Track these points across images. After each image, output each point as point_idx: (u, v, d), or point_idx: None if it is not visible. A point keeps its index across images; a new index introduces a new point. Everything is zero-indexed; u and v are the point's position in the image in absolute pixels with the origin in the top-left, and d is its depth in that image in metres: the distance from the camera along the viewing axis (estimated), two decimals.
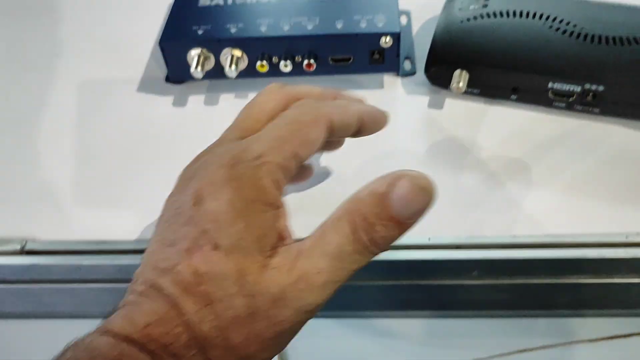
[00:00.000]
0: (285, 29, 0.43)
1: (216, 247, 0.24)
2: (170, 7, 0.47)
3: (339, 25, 0.43)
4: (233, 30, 0.43)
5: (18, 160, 0.44)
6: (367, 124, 0.32)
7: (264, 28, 0.43)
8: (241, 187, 0.25)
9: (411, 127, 0.44)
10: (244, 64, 0.44)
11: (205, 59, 0.44)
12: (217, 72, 0.45)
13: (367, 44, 0.43)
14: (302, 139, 0.28)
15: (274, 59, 0.44)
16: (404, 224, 0.24)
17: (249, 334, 0.23)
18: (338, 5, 0.44)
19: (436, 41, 0.45)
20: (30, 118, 0.47)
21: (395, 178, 0.24)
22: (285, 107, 0.30)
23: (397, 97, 0.46)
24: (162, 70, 0.49)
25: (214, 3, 0.46)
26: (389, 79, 0.47)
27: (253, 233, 0.24)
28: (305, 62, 0.43)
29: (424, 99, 0.45)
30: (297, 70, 0.44)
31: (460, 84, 0.42)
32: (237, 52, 0.43)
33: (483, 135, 0.42)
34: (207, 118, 0.46)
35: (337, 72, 0.45)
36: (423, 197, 0.24)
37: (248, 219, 0.25)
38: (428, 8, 0.52)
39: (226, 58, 0.44)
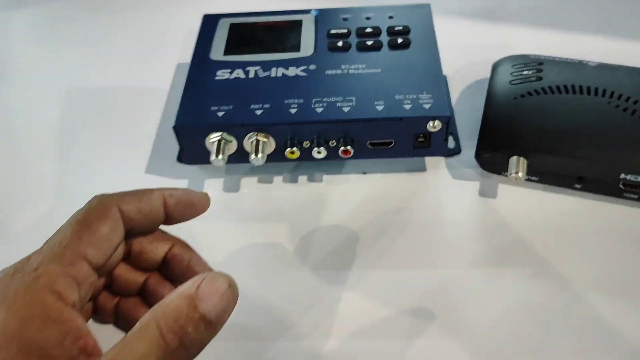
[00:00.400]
0: (319, 111, 0.38)
1: None
2: (185, 80, 0.41)
3: (380, 107, 0.37)
4: (258, 112, 0.38)
5: None
6: (177, 208, 0.29)
7: (293, 110, 0.38)
8: (14, 304, 0.23)
9: (460, 218, 0.38)
10: (270, 149, 0.39)
11: (226, 143, 0.38)
12: (239, 157, 0.39)
13: (412, 128, 0.38)
14: (88, 239, 0.25)
15: (305, 144, 0.39)
16: (214, 323, 0.23)
17: None
18: (375, 82, 0.39)
19: (489, 123, 0.39)
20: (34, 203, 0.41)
21: (199, 278, 0.24)
22: None
23: (443, 182, 0.41)
24: (172, 147, 0.44)
25: (233, 76, 0.41)
26: (431, 158, 0.42)
27: (30, 356, 0.22)
28: (342, 148, 0.38)
29: (474, 185, 0.40)
30: (331, 155, 0.39)
31: (520, 174, 0.37)
32: (264, 137, 0.38)
33: (545, 229, 0.37)
34: (226, 207, 0.40)
35: (375, 157, 0.39)
36: (230, 293, 0.24)
37: (22, 340, 0.22)
38: (467, 71, 0.47)
39: (251, 143, 0.38)
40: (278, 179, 0.41)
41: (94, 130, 0.46)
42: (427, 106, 0.37)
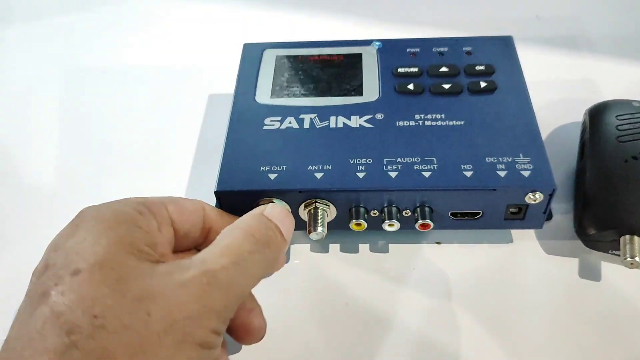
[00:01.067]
0: (393, 175, 0.31)
1: None
2: (227, 129, 0.34)
3: (468, 174, 0.30)
4: (318, 175, 0.31)
5: None
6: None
7: (361, 173, 0.31)
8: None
9: (557, 305, 0.32)
10: (330, 217, 0.32)
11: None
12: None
13: (507, 199, 0.31)
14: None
15: (373, 213, 0.32)
16: (285, 235, 0.26)
17: None
18: (458, 138, 0.32)
19: (596, 193, 0.33)
20: None
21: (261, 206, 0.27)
22: None
23: (535, 257, 0.34)
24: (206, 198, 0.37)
25: (284, 126, 0.34)
26: None
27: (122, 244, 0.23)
28: (420, 222, 0.31)
29: (572, 263, 0.33)
30: (404, 226, 0.32)
31: (637, 258, 0.30)
32: (324, 206, 0.31)
33: None
34: (270, 281, 0.33)
35: (456, 228, 0.33)
36: (290, 216, 0.27)
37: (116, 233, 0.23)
38: (549, 112, 0.40)
39: (308, 212, 0.31)
40: (335, 248, 0.35)
41: (114, 173, 0.40)
42: (526, 174, 0.30)
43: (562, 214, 0.35)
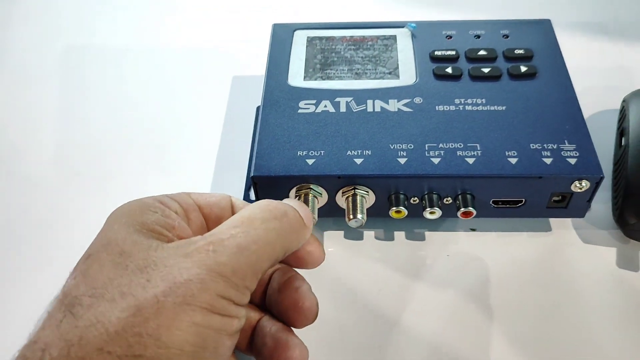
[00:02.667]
0: (436, 162, 0.30)
1: None
2: (260, 112, 0.33)
3: (513, 161, 0.30)
4: (358, 160, 0.30)
5: None
6: None
7: (403, 159, 0.30)
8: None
9: (596, 295, 0.31)
10: (369, 204, 0.31)
11: (315, 197, 0.31)
12: (328, 211, 0.32)
13: (552, 187, 0.30)
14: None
15: (413, 199, 0.31)
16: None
17: None
18: (501, 123, 0.31)
19: (636, 182, 0.32)
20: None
21: None
22: None
23: (573, 247, 0.33)
24: (235, 183, 0.36)
25: (320, 109, 0.33)
26: None
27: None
28: (463, 210, 0.30)
29: (610, 253, 0.33)
30: (445, 214, 0.31)
31: None
32: (364, 192, 0.30)
33: None
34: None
35: (497, 216, 0.32)
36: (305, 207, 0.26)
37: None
38: (584, 100, 0.39)
39: (347, 198, 0.30)
40: (369, 235, 0.34)
41: (139, 161, 0.39)
42: (572, 161, 0.30)
43: (600, 202, 0.35)
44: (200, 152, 0.39)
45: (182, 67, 0.45)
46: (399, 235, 0.34)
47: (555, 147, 0.30)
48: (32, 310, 0.21)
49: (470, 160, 0.30)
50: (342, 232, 0.34)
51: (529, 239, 0.33)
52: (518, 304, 0.31)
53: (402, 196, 0.31)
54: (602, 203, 0.35)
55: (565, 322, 0.30)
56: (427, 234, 0.34)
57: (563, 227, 0.34)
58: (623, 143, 0.35)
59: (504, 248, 0.33)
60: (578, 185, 0.30)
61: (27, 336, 0.20)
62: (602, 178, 0.29)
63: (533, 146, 0.30)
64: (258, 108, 0.35)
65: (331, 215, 0.32)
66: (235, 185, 0.36)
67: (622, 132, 0.36)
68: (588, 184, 0.29)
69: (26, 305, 0.29)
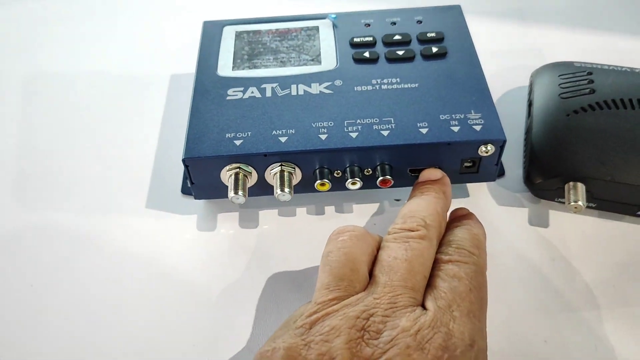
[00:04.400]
0: (354, 136, 0.32)
1: None
2: (191, 100, 0.35)
3: (424, 130, 0.32)
4: (283, 138, 0.32)
5: None
6: None
7: (324, 135, 0.32)
8: None
9: (511, 251, 0.34)
10: (296, 180, 0.33)
11: (245, 176, 0.33)
12: (258, 189, 0.34)
13: (461, 153, 0.33)
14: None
15: (336, 173, 0.33)
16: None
17: None
18: (414, 99, 0.34)
19: (540, 145, 0.35)
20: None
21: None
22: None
23: (487, 209, 0.36)
24: (174, 176, 0.38)
25: (247, 95, 0.35)
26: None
27: None
28: (381, 178, 0.33)
29: (522, 213, 0.36)
30: (366, 185, 0.34)
31: (580, 203, 0.33)
32: (289, 168, 0.33)
33: (608, 262, 0.33)
34: (244, 246, 0.35)
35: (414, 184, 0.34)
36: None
37: None
38: (499, 78, 0.43)
39: (274, 175, 0.33)
40: (302, 211, 0.36)
41: (81, 160, 0.40)
42: (477, 128, 0.32)
43: (513, 170, 0.38)
44: (140, 150, 0.40)
45: (121, 71, 0.47)
46: (329, 209, 0.36)
47: (462, 116, 0.33)
48: None
49: (385, 133, 0.32)
50: (276, 210, 0.36)
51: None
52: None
53: (325, 170, 0.33)
54: (515, 169, 0.38)
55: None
56: (355, 206, 0.36)
57: (479, 192, 0.37)
58: (530, 114, 0.38)
59: None
60: (484, 149, 0.32)
61: None
62: (504, 141, 0.32)
63: (442, 117, 0.33)
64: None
65: (264, 193, 0.34)
66: (174, 177, 0.38)
67: (530, 104, 0.39)
68: (493, 148, 0.32)
69: None
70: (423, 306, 0.25)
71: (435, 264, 0.27)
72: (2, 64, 0.48)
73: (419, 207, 0.30)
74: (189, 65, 0.45)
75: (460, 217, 0.31)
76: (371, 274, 0.27)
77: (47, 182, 0.39)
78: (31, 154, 0.40)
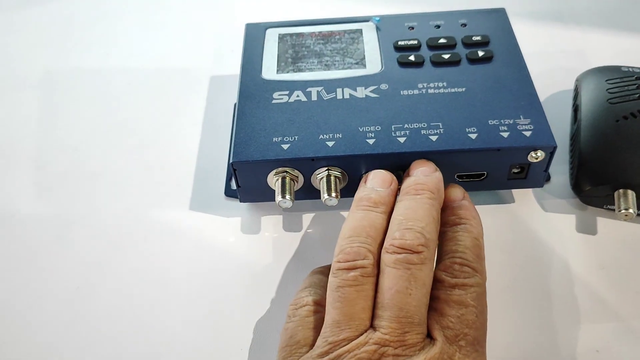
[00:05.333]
0: (402, 141, 0.32)
1: None
2: (237, 104, 0.35)
3: (473, 136, 0.32)
4: (330, 143, 0.32)
5: None
6: None
7: (371, 140, 0.32)
8: None
9: (560, 259, 0.33)
10: (343, 184, 0.33)
11: (292, 180, 0.33)
12: (304, 193, 0.34)
13: (510, 159, 0.33)
14: None
15: None
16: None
17: None
18: (461, 103, 0.34)
19: (590, 151, 0.34)
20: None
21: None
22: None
23: (534, 215, 0.36)
24: (217, 178, 0.38)
25: (292, 99, 0.35)
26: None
27: None
28: None
29: (570, 220, 0.35)
30: None
31: (631, 210, 0.32)
32: (337, 172, 0.32)
33: None
34: (288, 249, 0.35)
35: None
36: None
37: None
38: (543, 81, 0.42)
39: (321, 179, 0.33)
40: (345, 214, 0.36)
41: (123, 160, 0.40)
42: (527, 134, 0.32)
43: (560, 175, 0.37)
44: (182, 150, 0.40)
45: (161, 72, 0.47)
46: None
47: (511, 121, 0.33)
48: None
49: (434, 138, 0.32)
50: (320, 214, 0.36)
51: (495, 210, 0.36)
52: (487, 270, 0.33)
53: None
54: (561, 175, 0.37)
55: (531, 284, 0.32)
56: None
57: (525, 199, 0.36)
58: (577, 119, 0.37)
59: None
60: (534, 155, 0.32)
61: None
62: (555, 147, 0.32)
63: (491, 122, 0.33)
64: (235, 105, 0.37)
65: (310, 197, 0.34)
66: (217, 179, 0.38)
67: (576, 108, 0.38)
68: (543, 153, 0.32)
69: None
70: (429, 332, 0.25)
71: (439, 283, 0.26)
72: (41, 62, 0.48)
73: (416, 214, 0.28)
74: (229, 67, 0.45)
75: (457, 209, 0.29)
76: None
77: (88, 183, 0.39)
78: (73, 154, 0.41)
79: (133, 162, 0.40)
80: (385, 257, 0.26)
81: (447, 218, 0.29)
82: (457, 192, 0.30)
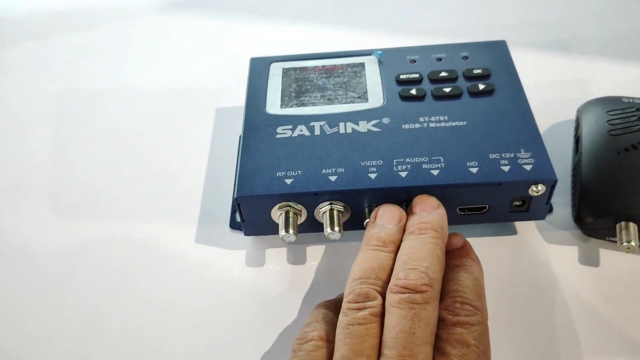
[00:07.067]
0: (403, 175, 0.33)
1: None
2: (241, 139, 0.36)
3: (474, 170, 0.32)
4: (332, 177, 0.33)
5: None
6: None
7: (373, 174, 0.33)
8: None
9: (562, 291, 0.33)
10: (345, 217, 0.34)
11: (296, 214, 0.33)
12: (307, 226, 0.34)
13: (511, 193, 0.33)
14: None
15: None
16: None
17: None
18: (462, 137, 0.34)
19: (591, 183, 0.35)
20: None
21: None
22: None
23: (536, 247, 0.36)
24: (222, 209, 0.39)
25: (296, 134, 0.36)
26: None
27: None
28: None
29: (572, 251, 0.35)
30: None
31: (633, 243, 0.32)
32: (340, 206, 0.33)
33: None
34: (292, 282, 0.35)
35: (463, 222, 0.35)
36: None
37: None
38: (544, 111, 0.42)
39: (324, 213, 0.33)
40: (348, 247, 0.36)
41: (131, 192, 0.41)
42: (528, 167, 0.32)
43: (561, 206, 0.37)
44: (189, 180, 0.41)
45: (168, 102, 0.48)
46: None
47: (512, 155, 0.33)
48: None
49: (435, 172, 0.33)
50: (324, 246, 0.37)
51: (497, 242, 0.36)
52: (489, 302, 0.33)
53: (374, 208, 0.33)
54: (563, 206, 0.37)
55: (534, 316, 0.32)
56: None
57: (528, 230, 0.36)
58: (578, 150, 0.38)
59: (475, 251, 0.35)
60: (535, 189, 0.32)
61: None
62: (556, 181, 0.32)
63: (492, 156, 0.33)
64: (240, 137, 0.38)
65: (313, 230, 0.35)
66: (222, 210, 0.39)
67: (577, 139, 0.39)
68: (544, 187, 0.32)
69: None
70: None
71: (441, 322, 0.27)
72: (50, 95, 0.49)
73: (420, 253, 0.28)
74: (235, 99, 0.46)
75: (457, 253, 0.30)
76: None
77: (94, 214, 0.40)
78: (80, 183, 0.42)
79: (141, 194, 0.41)
80: (390, 297, 0.27)
81: (448, 261, 0.30)
82: (458, 240, 0.31)
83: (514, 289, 0.34)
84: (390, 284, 0.27)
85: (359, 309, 0.27)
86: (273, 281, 0.35)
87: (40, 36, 0.56)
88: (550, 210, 0.37)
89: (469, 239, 0.35)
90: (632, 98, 0.39)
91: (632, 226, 0.33)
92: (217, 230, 0.38)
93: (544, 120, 0.42)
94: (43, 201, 0.41)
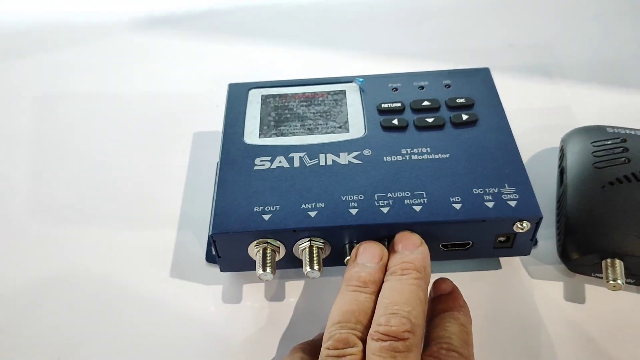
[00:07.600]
0: (385, 211, 0.32)
1: None
2: (218, 171, 0.35)
3: (457, 206, 0.31)
4: (312, 213, 0.32)
5: None
6: None
7: (354, 210, 0.32)
8: None
9: (546, 329, 0.33)
10: (325, 254, 0.33)
11: (274, 250, 0.32)
12: (287, 263, 0.33)
13: (495, 229, 0.32)
14: None
15: None
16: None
17: None
18: (445, 171, 0.33)
19: (576, 219, 0.34)
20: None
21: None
22: None
23: (521, 282, 0.35)
24: (199, 242, 0.37)
25: (275, 165, 0.34)
26: None
27: None
28: None
29: (557, 287, 0.35)
30: None
31: (619, 281, 0.32)
32: (319, 242, 0.32)
33: None
34: (270, 320, 0.34)
35: (446, 258, 0.34)
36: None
37: None
38: (527, 139, 0.42)
39: (303, 250, 0.32)
40: (329, 282, 0.35)
41: (105, 223, 0.40)
42: (512, 204, 0.31)
43: (546, 239, 0.37)
44: (164, 208, 0.40)
45: (143, 127, 0.46)
46: None
47: (496, 190, 0.32)
48: None
49: (417, 208, 0.32)
50: (303, 282, 0.35)
51: (481, 277, 0.35)
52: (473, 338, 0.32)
53: (355, 244, 0.32)
54: (548, 239, 0.37)
55: (517, 353, 0.32)
56: None
57: (512, 265, 0.36)
58: (563, 182, 0.37)
59: (458, 286, 0.34)
60: (519, 226, 0.31)
61: None
62: (541, 218, 0.31)
63: (476, 191, 0.32)
64: (218, 164, 0.36)
65: (292, 266, 0.33)
66: (198, 243, 0.37)
67: (562, 171, 0.38)
68: (528, 224, 0.31)
69: None
70: None
71: None
72: (27, 118, 0.48)
73: (402, 296, 0.27)
74: (213, 123, 0.45)
75: (445, 298, 0.30)
76: None
77: (67, 246, 0.38)
78: (52, 214, 0.40)
79: (115, 225, 0.39)
80: (371, 345, 0.26)
81: (435, 307, 0.29)
82: (446, 285, 0.30)
83: (498, 326, 0.33)
84: (371, 330, 0.26)
85: (339, 356, 0.26)
86: (250, 319, 0.34)
87: (15, 54, 0.54)
88: (535, 243, 0.36)
89: (452, 274, 0.34)
90: (616, 127, 0.38)
91: (619, 263, 0.32)
92: (193, 263, 0.37)
93: (528, 147, 0.42)
94: (9, 234, 0.39)
